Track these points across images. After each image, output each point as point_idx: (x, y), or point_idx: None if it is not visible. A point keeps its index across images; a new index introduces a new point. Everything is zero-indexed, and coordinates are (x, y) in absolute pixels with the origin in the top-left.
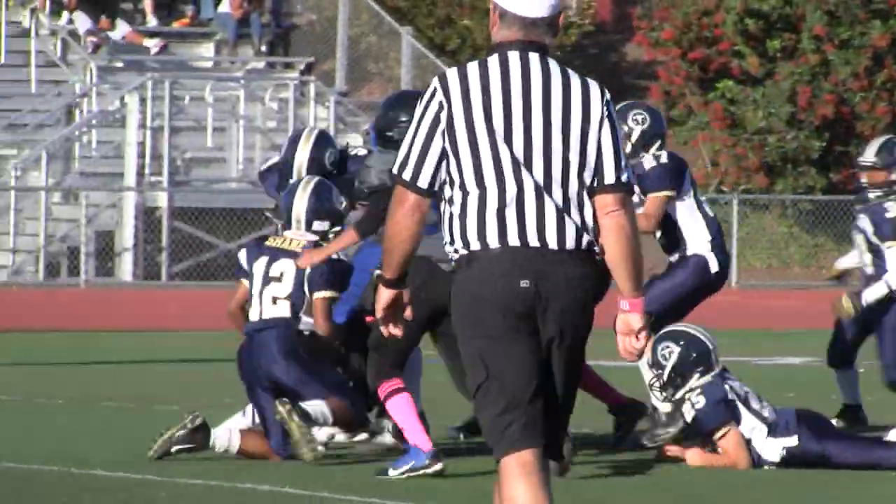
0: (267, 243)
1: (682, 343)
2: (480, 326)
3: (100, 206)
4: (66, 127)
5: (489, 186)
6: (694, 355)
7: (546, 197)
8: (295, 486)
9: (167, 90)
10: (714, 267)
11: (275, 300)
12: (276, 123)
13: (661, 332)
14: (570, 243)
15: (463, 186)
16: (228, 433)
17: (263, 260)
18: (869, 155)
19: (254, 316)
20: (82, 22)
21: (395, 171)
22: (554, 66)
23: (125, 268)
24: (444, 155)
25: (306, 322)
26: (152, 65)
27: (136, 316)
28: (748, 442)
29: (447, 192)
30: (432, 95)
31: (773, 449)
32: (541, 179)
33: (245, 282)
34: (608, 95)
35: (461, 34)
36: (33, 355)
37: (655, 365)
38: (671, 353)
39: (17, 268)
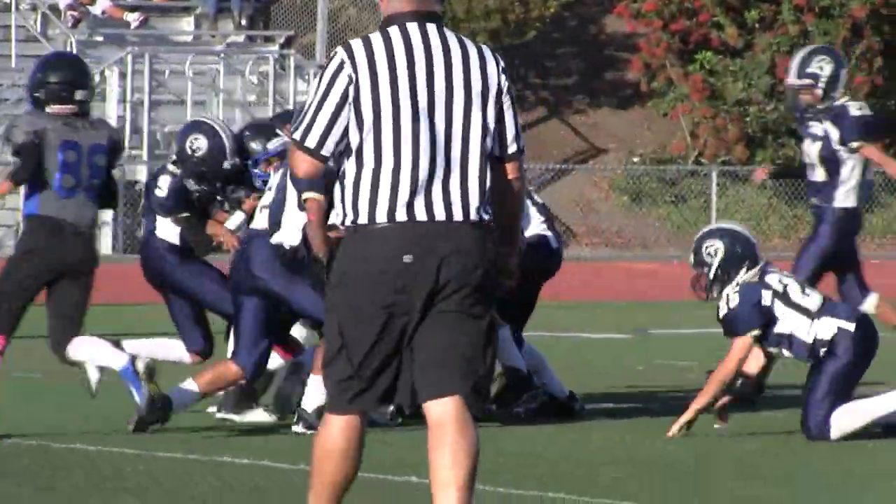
0: None
1: (726, 239)
2: (349, 298)
3: None
4: None
5: (385, 160)
6: (739, 250)
7: (441, 171)
8: (275, 459)
9: (147, 64)
10: None
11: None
12: (256, 97)
13: (703, 232)
14: (458, 215)
15: (360, 158)
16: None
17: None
18: (795, 75)
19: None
20: None
21: (297, 137)
22: (452, 37)
23: (105, 241)
24: (348, 128)
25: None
26: (132, 39)
27: (115, 290)
28: (788, 338)
29: (343, 162)
30: (340, 67)
31: (826, 327)
32: (440, 153)
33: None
34: (503, 64)
35: (441, 7)
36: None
37: (700, 264)
38: (717, 249)
39: None
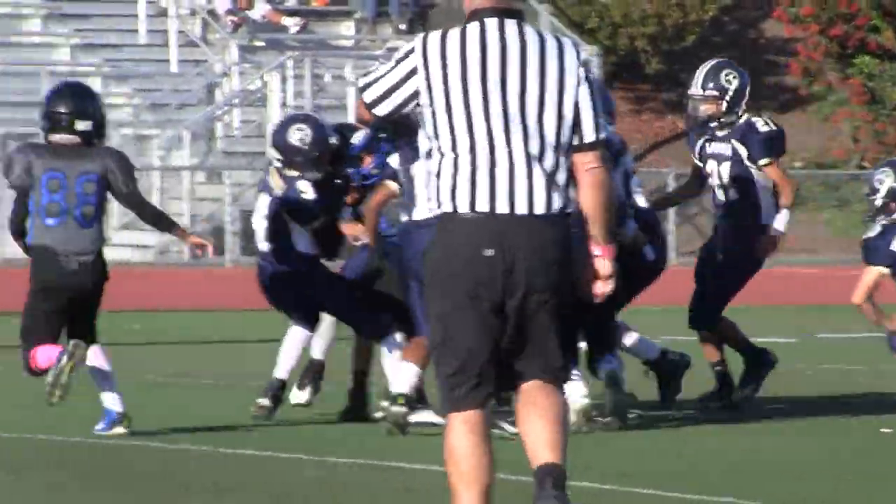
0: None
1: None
2: (443, 290)
3: (243, 185)
4: (207, 106)
5: (461, 152)
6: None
7: (519, 163)
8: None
9: (308, 69)
10: None
11: None
12: None
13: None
14: (539, 208)
15: (440, 149)
16: None
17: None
18: (701, 86)
19: (421, 213)
20: (221, 2)
21: (361, 85)
22: (530, 32)
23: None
24: (405, 103)
25: None
26: (292, 44)
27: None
28: None
29: (431, 152)
30: (407, 55)
31: None
32: (516, 146)
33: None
34: (584, 56)
35: (599, 12)
36: (179, 334)
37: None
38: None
39: (163, 248)
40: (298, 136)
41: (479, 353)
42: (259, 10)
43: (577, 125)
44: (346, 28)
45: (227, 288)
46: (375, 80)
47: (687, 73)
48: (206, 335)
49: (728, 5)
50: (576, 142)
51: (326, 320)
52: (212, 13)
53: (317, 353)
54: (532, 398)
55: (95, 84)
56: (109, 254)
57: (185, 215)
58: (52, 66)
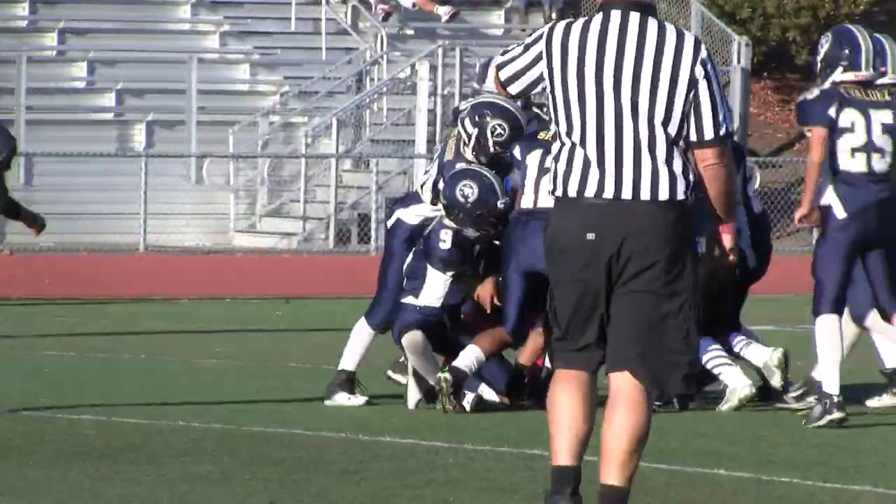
0: (539, 137)
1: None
2: (554, 265)
3: (390, 173)
4: (356, 95)
5: (576, 140)
6: (846, 51)
7: (627, 152)
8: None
9: (458, 57)
10: None
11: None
12: None
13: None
14: (645, 194)
15: (559, 135)
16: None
17: (537, 153)
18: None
19: (526, 203)
20: None
21: (498, 62)
22: (652, 26)
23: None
24: (533, 85)
25: None
26: (443, 32)
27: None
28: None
29: (556, 135)
30: (536, 41)
31: None
32: (627, 136)
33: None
34: (705, 53)
35: (753, 3)
36: (325, 321)
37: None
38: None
39: (308, 235)
40: (465, 192)
41: (577, 327)
42: None
43: (696, 120)
44: (497, 17)
45: (372, 276)
46: (510, 61)
47: None
48: (352, 323)
49: None
50: (694, 137)
51: None
52: (363, 1)
53: None
54: (615, 405)
55: (244, 72)
56: (254, 241)
57: (331, 202)
58: (202, 53)
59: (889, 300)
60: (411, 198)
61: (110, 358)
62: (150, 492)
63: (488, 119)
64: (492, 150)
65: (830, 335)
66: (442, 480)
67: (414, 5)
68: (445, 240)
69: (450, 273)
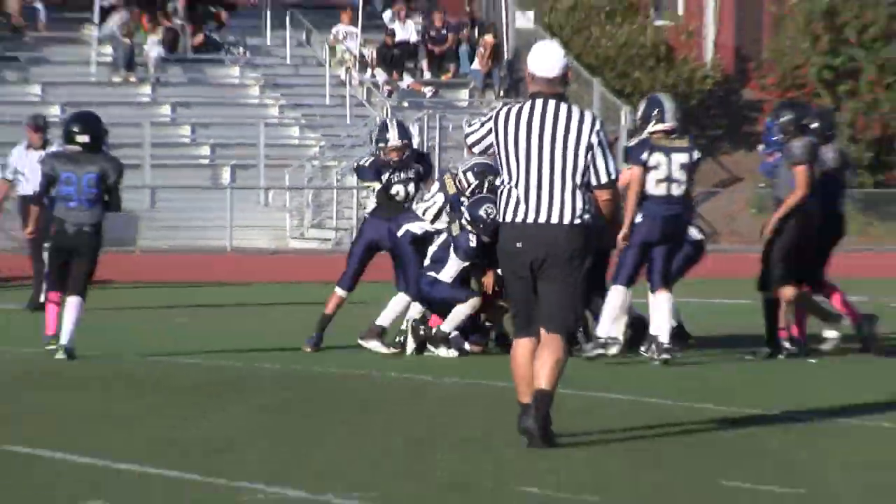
0: None
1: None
2: (502, 264)
3: None
4: (370, 146)
5: (513, 184)
6: (655, 110)
7: (545, 193)
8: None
9: (438, 122)
10: None
11: None
12: None
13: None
14: (554, 219)
15: (503, 181)
16: None
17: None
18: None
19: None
20: (380, 76)
21: (466, 132)
22: (563, 109)
23: None
24: (488, 147)
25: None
26: (427, 104)
27: None
28: None
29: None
30: (488, 120)
31: None
32: (544, 182)
33: None
34: (598, 125)
35: (634, 83)
36: (350, 298)
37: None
38: None
39: (339, 240)
40: (488, 211)
41: (520, 305)
42: (405, 82)
43: (594, 171)
44: (463, 94)
45: (382, 267)
46: (473, 132)
47: (693, 124)
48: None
49: (719, 81)
50: (594, 182)
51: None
52: (374, 84)
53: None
54: (541, 346)
55: (295, 131)
56: (303, 245)
57: (353, 218)
58: (266, 119)
59: (658, 280)
60: (412, 216)
61: (211, 317)
62: (242, 416)
63: (487, 175)
64: (487, 225)
65: (620, 300)
66: (441, 397)
67: (408, 86)
68: (472, 240)
69: (467, 262)
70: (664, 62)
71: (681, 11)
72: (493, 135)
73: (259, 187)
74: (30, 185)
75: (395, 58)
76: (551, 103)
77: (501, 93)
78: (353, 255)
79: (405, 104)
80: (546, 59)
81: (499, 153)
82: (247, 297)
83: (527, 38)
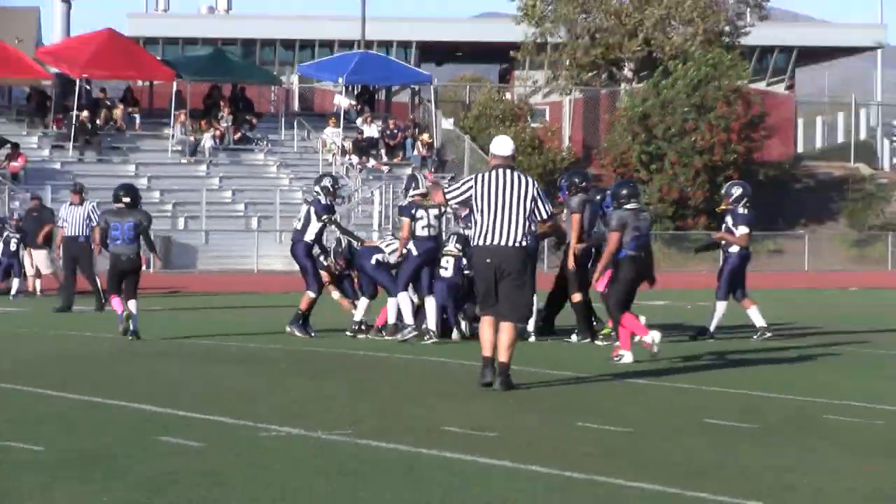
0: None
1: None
2: (475, 273)
3: None
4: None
5: (482, 223)
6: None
7: (506, 227)
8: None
9: (391, 189)
10: None
11: None
12: None
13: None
14: (513, 242)
15: (475, 220)
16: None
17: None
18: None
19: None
20: (354, 159)
21: (447, 187)
22: (517, 175)
23: None
24: (465, 201)
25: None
26: (385, 178)
27: None
28: None
29: (473, 217)
30: (468, 181)
31: None
32: (504, 219)
33: None
34: (537, 184)
35: (518, 164)
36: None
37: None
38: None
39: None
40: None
41: (486, 297)
42: (371, 163)
43: (538, 212)
44: (408, 171)
45: None
46: (452, 189)
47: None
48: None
49: (572, 161)
50: (539, 218)
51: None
52: (351, 164)
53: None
54: (501, 327)
55: (298, 195)
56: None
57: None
58: (281, 188)
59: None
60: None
61: (248, 313)
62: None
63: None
64: None
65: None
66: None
67: (372, 166)
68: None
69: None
70: (537, 150)
71: (547, 118)
72: (472, 190)
73: (276, 230)
74: (70, 229)
75: (364, 148)
76: (508, 171)
77: (433, 169)
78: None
79: (370, 178)
80: (503, 145)
81: (475, 201)
82: (268, 302)
83: (449, 136)
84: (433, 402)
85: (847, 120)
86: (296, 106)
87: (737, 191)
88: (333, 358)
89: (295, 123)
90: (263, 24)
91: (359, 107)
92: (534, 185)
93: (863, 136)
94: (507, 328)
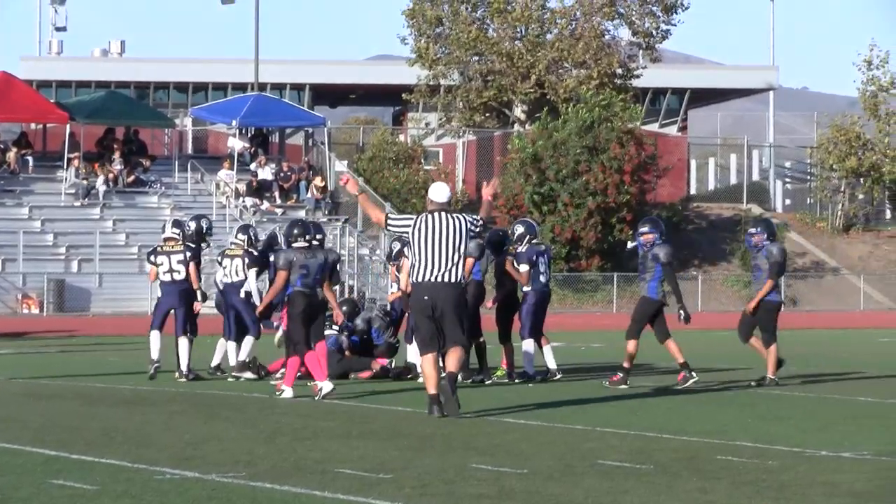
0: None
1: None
2: (413, 310)
3: None
4: None
5: (420, 259)
6: (521, 229)
7: (441, 264)
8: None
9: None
10: None
11: None
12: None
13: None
14: (448, 279)
15: (414, 258)
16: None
17: None
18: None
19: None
20: (248, 201)
21: (391, 218)
22: (450, 216)
23: None
24: (406, 234)
25: None
26: (279, 220)
27: None
28: None
29: (410, 255)
30: (409, 219)
31: None
32: (441, 259)
33: None
34: (468, 223)
35: (412, 206)
36: None
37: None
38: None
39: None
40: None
41: (427, 334)
42: (265, 205)
43: (464, 249)
44: (302, 213)
45: None
46: (396, 219)
47: None
48: None
49: (466, 203)
50: (465, 254)
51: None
52: (245, 206)
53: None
54: (449, 352)
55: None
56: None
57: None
58: None
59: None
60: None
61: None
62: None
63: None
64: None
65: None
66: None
67: (266, 208)
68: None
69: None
70: None
71: (441, 160)
72: (410, 228)
73: None
74: None
75: (258, 190)
76: (444, 214)
77: (327, 211)
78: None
79: (264, 220)
80: (440, 192)
81: (413, 241)
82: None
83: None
84: (328, 444)
85: (739, 161)
86: (189, 148)
87: (518, 229)
88: (227, 399)
89: (189, 166)
90: (157, 67)
91: (252, 149)
92: (466, 225)
93: (755, 177)
94: (454, 350)
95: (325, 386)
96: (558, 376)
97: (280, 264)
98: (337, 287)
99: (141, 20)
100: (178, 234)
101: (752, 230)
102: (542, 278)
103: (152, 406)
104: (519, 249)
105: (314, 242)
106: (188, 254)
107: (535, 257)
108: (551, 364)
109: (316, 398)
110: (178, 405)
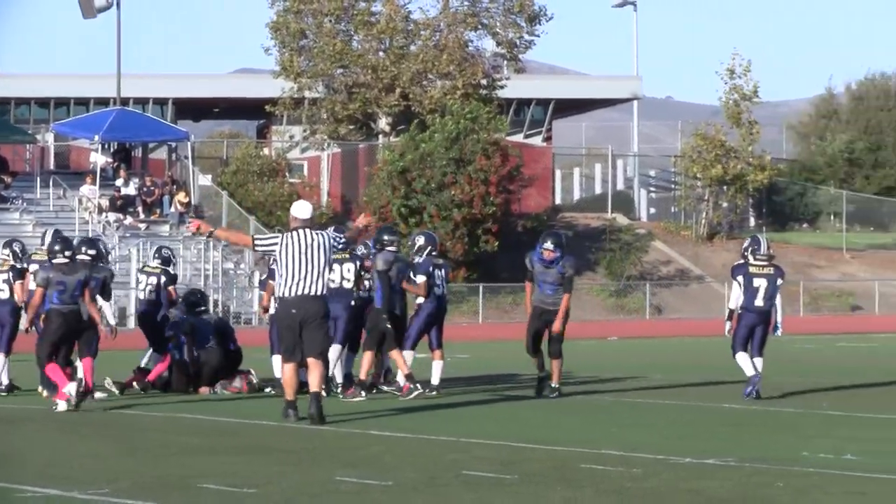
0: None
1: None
2: (281, 323)
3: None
4: None
5: (288, 274)
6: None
7: (309, 278)
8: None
9: (150, 246)
10: None
11: None
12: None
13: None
14: (314, 292)
15: (281, 273)
16: None
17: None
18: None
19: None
20: (111, 217)
21: (257, 237)
22: (317, 232)
23: None
24: (273, 252)
25: None
26: (142, 235)
27: None
28: None
29: (277, 271)
30: (275, 237)
31: None
32: (309, 272)
33: None
34: (330, 239)
35: (277, 219)
36: None
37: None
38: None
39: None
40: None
41: (291, 344)
42: (128, 220)
43: (325, 263)
44: (165, 228)
45: None
46: (262, 239)
47: None
48: None
49: (331, 216)
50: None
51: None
52: (108, 222)
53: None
54: (310, 364)
55: None
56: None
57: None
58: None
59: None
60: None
61: None
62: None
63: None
64: None
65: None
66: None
67: (129, 223)
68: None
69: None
70: None
71: (306, 173)
72: (277, 247)
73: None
74: None
75: (121, 205)
76: (308, 231)
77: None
78: None
79: (127, 235)
80: (302, 209)
81: (281, 258)
82: (21, 359)
83: (207, 192)
84: (192, 459)
85: (604, 171)
86: (51, 164)
87: (419, 240)
88: (92, 416)
89: (51, 182)
90: (18, 82)
91: (115, 164)
92: (330, 241)
93: (620, 186)
94: (315, 364)
95: (61, 405)
96: (434, 393)
97: (38, 281)
98: (110, 302)
99: (1, 35)
100: (9, 256)
101: (548, 245)
102: (438, 291)
103: (10, 424)
104: (416, 260)
105: (85, 257)
106: (12, 274)
107: (431, 269)
108: (435, 379)
109: (54, 408)
110: (37, 424)
